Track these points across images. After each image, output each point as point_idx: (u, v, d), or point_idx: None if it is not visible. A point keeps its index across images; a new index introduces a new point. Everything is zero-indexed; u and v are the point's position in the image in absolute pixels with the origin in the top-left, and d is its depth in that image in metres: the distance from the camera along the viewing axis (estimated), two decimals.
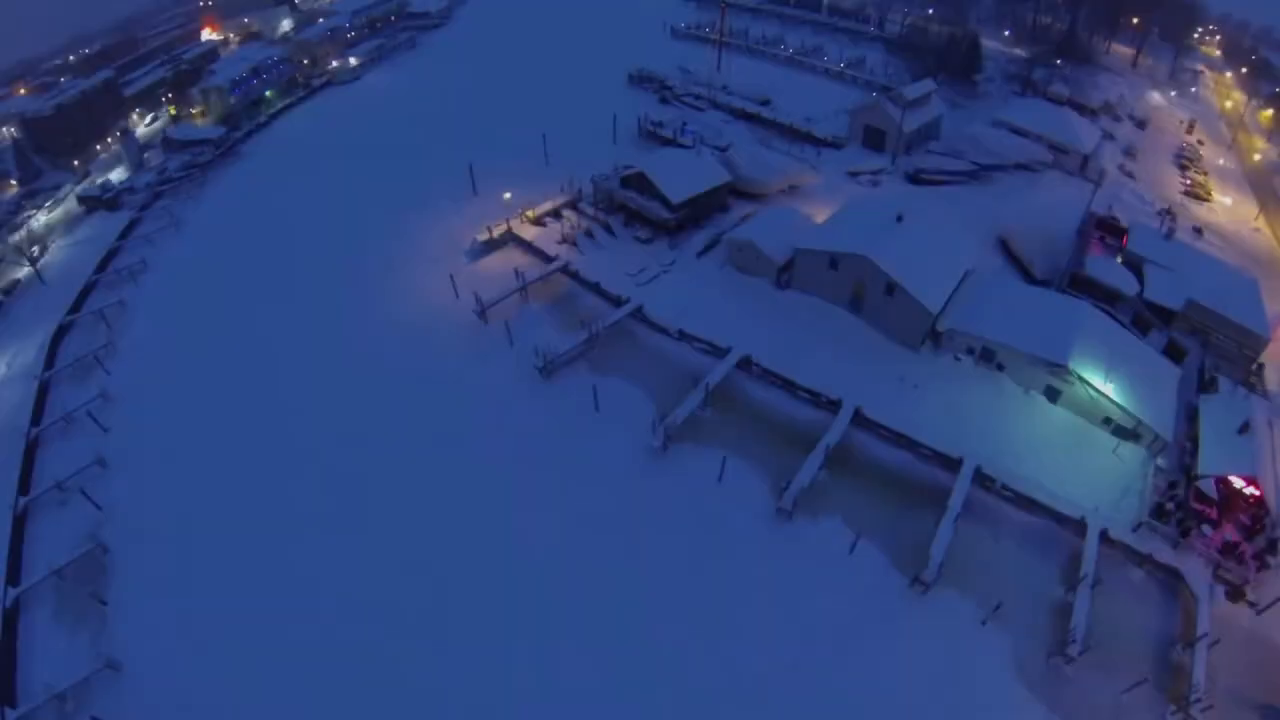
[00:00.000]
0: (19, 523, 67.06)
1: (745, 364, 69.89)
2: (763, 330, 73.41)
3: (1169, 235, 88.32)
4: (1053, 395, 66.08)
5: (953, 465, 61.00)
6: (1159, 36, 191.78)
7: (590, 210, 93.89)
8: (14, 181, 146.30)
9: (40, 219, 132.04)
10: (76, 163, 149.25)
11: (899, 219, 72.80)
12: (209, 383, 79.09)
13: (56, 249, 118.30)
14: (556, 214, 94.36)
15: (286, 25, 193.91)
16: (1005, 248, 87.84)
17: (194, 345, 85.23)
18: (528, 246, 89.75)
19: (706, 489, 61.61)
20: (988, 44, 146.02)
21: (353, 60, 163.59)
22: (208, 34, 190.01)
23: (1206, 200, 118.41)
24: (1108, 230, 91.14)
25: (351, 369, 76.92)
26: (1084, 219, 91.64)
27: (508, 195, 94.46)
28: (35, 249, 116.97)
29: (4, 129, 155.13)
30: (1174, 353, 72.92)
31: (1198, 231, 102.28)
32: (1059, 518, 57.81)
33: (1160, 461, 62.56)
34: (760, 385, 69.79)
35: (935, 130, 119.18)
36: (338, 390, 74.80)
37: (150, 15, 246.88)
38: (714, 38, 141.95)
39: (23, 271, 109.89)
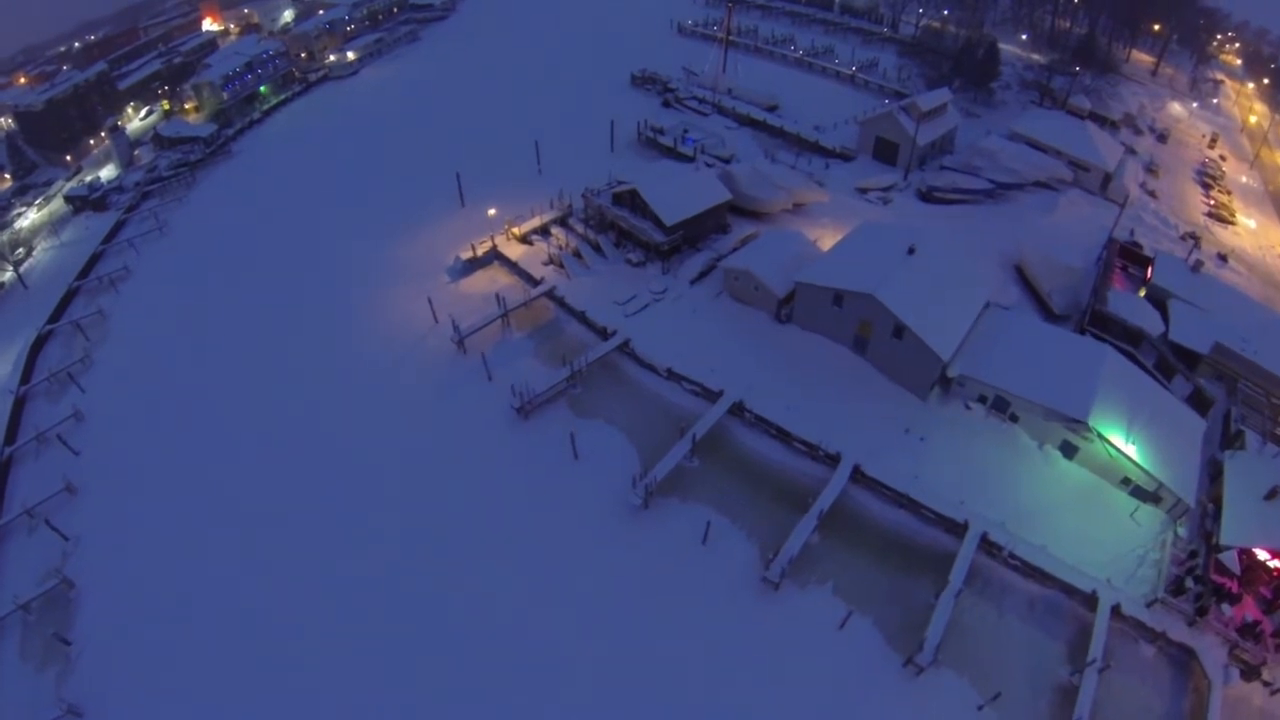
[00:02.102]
0: None
1: (738, 410, 63.78)
2: (758, 370, 67.18)
3: (1196, 267, 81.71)
4: (1069, 451, 59.98)
5: (957, 529, 55.32)
6: (1178, 43, 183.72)
7: (580, 228, 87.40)
8: (7, 176, 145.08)
9: (30, 217, 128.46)
10: (69, 158, 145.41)
11: (911, 251, 66.13)
12: (181, 406, 74.69)
13: (42, 251, 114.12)
14: (545, 231, 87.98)
15: (288, 16, 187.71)
16: (1022, 276, 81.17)
17: (168, 363, 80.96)
18: (512, 266, 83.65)
19: (689, 552, 55.88)
20: (1004, 48, 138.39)
21: (350, 54, 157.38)
22: (208, 24, 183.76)
23: (1230, 223, 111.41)
24: (1131, 259, 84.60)
25: (326, 399, 72.03)
26: (1106, 247, 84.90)
27: (492, 211, 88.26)
28: (20, 251, 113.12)
29: (1, 120, 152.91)
30: (1199, 401, 66.79)
31: (1222, 258, 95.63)
32: (1069, 589, 52.71)
33: (1180, 529, 56.89)
34: (753, 433, 63.72)
35: (950, 143, 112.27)
36: (310, 423, 69.96)
37: (155, 1, 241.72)
38: (720, 37, 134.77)
39: (6, 275, 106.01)
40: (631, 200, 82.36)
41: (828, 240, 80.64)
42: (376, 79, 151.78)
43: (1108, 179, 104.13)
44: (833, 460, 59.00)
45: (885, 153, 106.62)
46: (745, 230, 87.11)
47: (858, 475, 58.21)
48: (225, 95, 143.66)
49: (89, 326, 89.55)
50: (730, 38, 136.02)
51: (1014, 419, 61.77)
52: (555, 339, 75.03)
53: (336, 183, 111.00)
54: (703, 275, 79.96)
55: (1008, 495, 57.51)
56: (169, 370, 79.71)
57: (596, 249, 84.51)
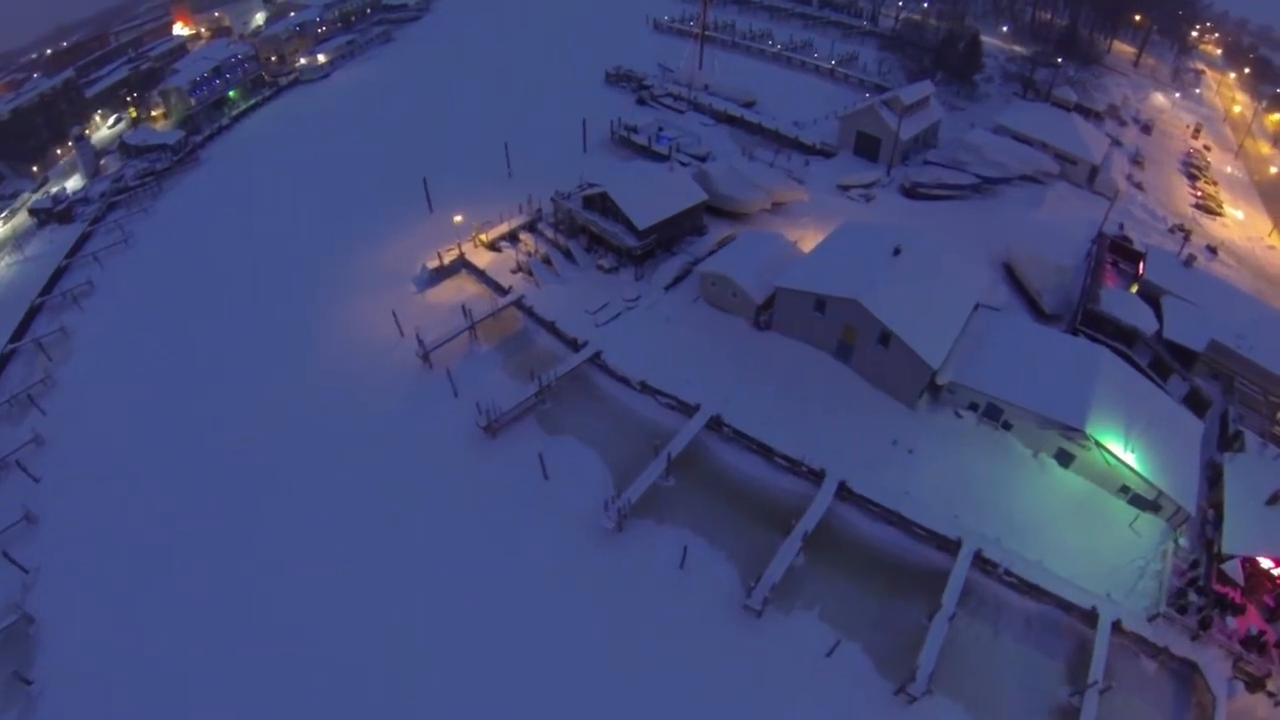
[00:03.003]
0: None
1: (715, 424, 59.68)
2: (737, 381, 63.07)
3: (1188, 262, 78.04)
4: (1065, 460, 56.37)
5: (950, 547, 51.65)
6: (1159, 34, 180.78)
7: (550, 233, 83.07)
8: None
9: None
10: (35, 169, 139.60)
11: (896, 252, 62.04)
12: (144, 427, 70.32)
13: (5, 266, 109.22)
14: (514, 237, 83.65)
15: (260, 19, 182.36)
16: (1011, 275, 77.33)
17: (131, 383, 76.40)
18: (480, 275, 79.33)
19: (666, 577, 51.83)
20: (986, 40, 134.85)
21: (321, 57, 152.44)
22: (179, 28, 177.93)
23: (1218, 214, 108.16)
24: (1121, 255, 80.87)
25: (289, 419, 67.75)
26: (1095, 242, 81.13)
27: (458, 218, 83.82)
28: None
29: None
30: (1196, 402, 63.27)
31: (1212, 251, 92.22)
32: (1067, 606, 49.37)
33: (1181, 538, 53.65)
34: (732, 448, 59.56)
35: (933, 137, 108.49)
36: (272, 446, 65.47)
37: (131, 5, 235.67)
38: (696, 32, 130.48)
39: None
40: (602, 203, 78.13)
41: (809, 241, 76.66)
42: (348, 81, 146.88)
43: (1094, 172, 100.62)
44: (817, 476, 55.02)
45: (867, 148, 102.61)
46: (722, 232, 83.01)
47: (844, 492, 54.30)
48: (193, 101, 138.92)
49: (51, 345, 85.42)
50: (706, 33, 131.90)
51: (1007, 427, 58.07)
52: (524, 351, 70.86)
53: (304, 190, 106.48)
54: (678, 281, 75.82)
55: (1002, 508, 53.94)
56: (132, 391, 75.32)
57: (567, 255, 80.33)
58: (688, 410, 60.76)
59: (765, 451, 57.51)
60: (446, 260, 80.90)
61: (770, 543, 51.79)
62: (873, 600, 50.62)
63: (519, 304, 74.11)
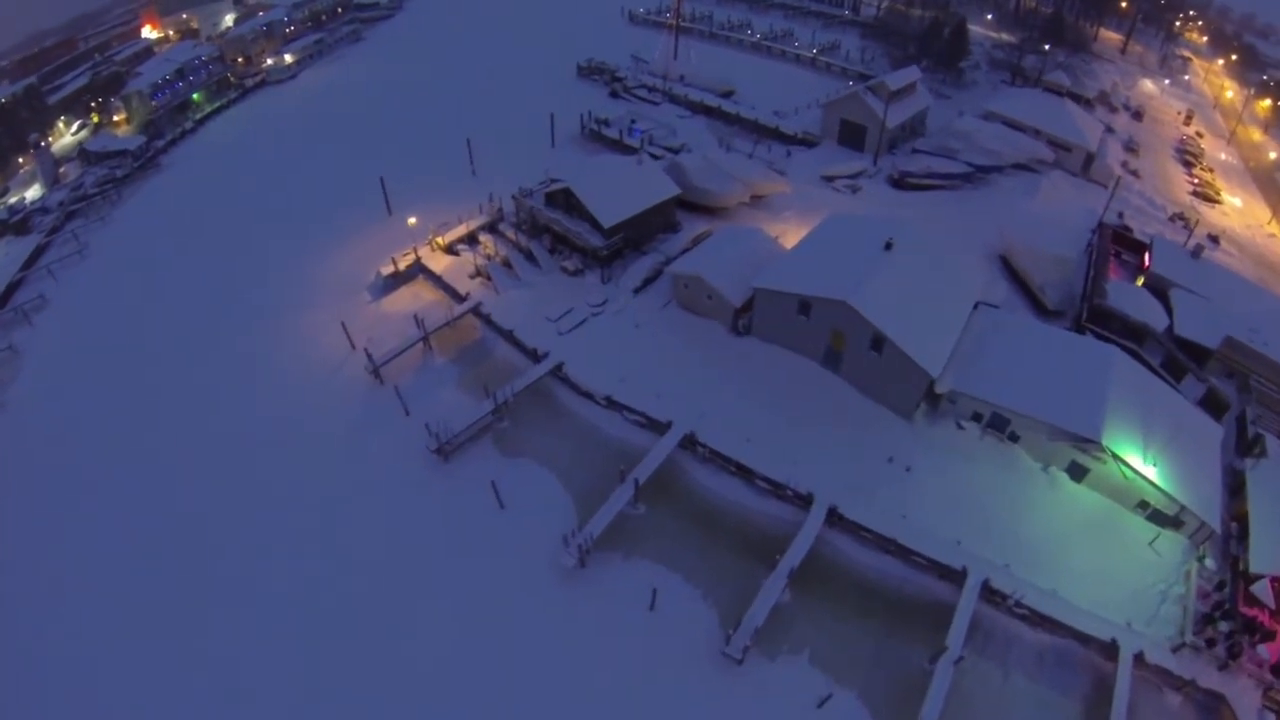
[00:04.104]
0: None
1: (689, 443, 52.43)
2: (713, 393, 55.66)
3: (1196, 252, 71.20)
4: (1078, 473, 49.63)
5: (954, 576, 44.94)
6: (1143, 21, 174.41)
7: (511, 234, 75.68)
8: None
9: None
10: None
11: (888, 247, 54.73)
12: (90, 454, 63.11)
13: None
14: (473, 239, 76.25)
15: (229, 20, 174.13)
16: (1009, 268, 70.26)
17: (79, 406, 68.97)
18: (437, 280, 71.98)
19: (635, 619, 44.84)
20: (971, 28, 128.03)
21: (288, 57, 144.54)
22: (147, 31, 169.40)
23: (1216, 202, 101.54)
24: (1124, 246, 73.92)
25: (236, 442, 60.80)
26: (1096, 232, 74.15)
27: (412, 220, 76.43)
28: None
29: None
30: (1213, 404, 56.69)
31: (1214, 240, 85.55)
32: (1084, 638, 43.10)
33: (1205, 558, 47.26)
34: (708, 470, 52.29)
35: (921, 125, 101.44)
36: (216, 472, 58.47)
37: (105, 10, 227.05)
38: (669, 22, 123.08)
39: None
40: (566, 200, 70.83)
41: (791, 236, 69.52)
42: (315, 82, 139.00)
43: (1090, 159, 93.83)
44: (804, 501, 47.89)
45: (852, 137, 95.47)
46: (697, 228, 75.61)
47: (834, 518, 47.18)
48: (155, 105, 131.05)
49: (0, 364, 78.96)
50: (683, 24, 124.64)
51: (1014, 439, 51.14)
52: (482, 363, 63.68)
53: (264, 195, 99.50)
54: (648, 283, 68.50)
55: (1010, 530, 47.18)
56: (79, 415, 68.18)
57: (529, 257, 72.96)
58: (658, 428, 53.62)
59: (745, 474, 50.26)
60: (402, 266, 73.63)
61: (752, 577, 45.01)
62: (869, 641, 43.96)
63: (476, 311, 66.97)
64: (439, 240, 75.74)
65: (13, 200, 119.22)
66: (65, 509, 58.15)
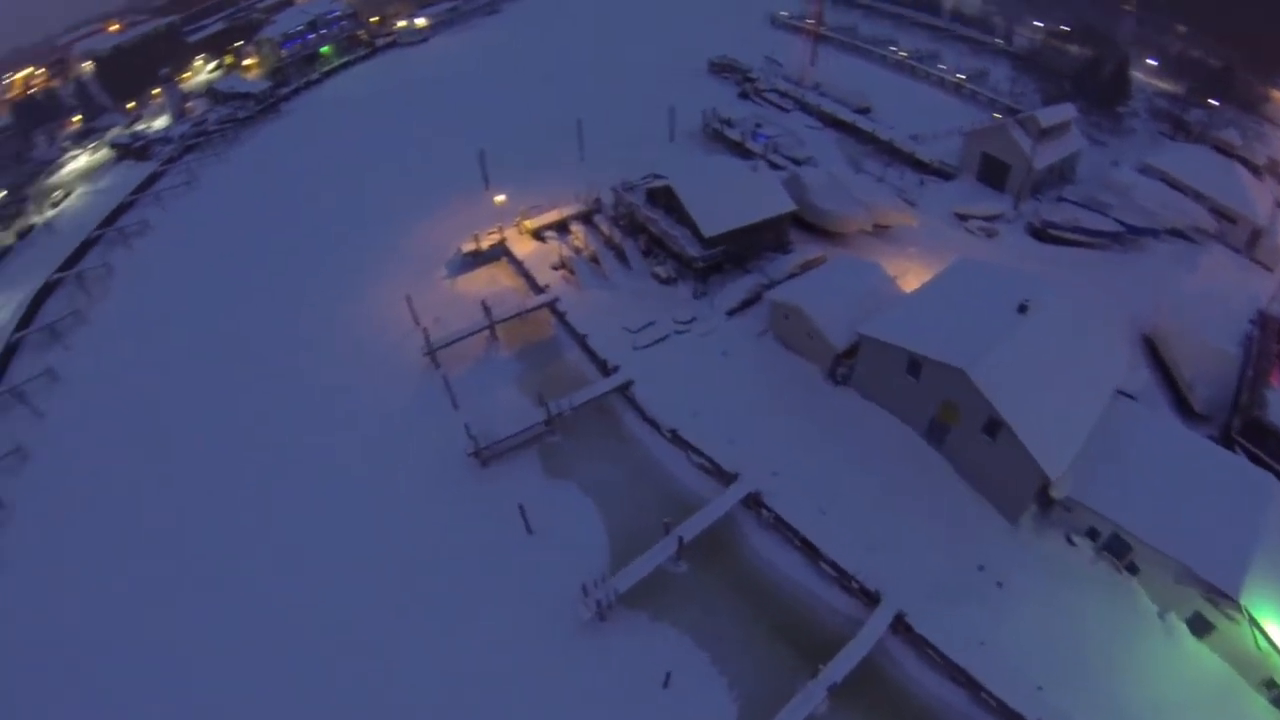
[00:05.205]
0: None
1: (754, 503, 44.95)
2: (793, 448, 47.76)
3: None
4: (1200, 628, 39.41)
5: None
6: None
7: (605, 228, 69.47)
8: (77, 118, 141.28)
9: (82, 160, 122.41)
10: (131, 106, 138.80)
11: (1022, 310, 45.15)
12: (154, 380, 63.91)
13: (78, 195, 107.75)
14: (564, 227, 70.44)
15: None
16: (1154, 353, 59.64)
17: (154, 330, 70.80)
18: (518, 266, 66.71)
19: (644, 695, 37.93)
20: (1132, 74, 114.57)
21: (420, 21, 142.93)
22: None
23: None
24: None
25: (284, 406, 58.37)
26: (1257, 324, 62.26)
27: (500, 198, 71.49)
28: (58, 194, 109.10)
29: (84, 65, 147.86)
30: None
31: None
32: None
33: None
34: (769, 538, 44.51)
35: (1071, 171, 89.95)
36: (260, 436, 56.20)
37: None
38: (809, 26, 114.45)
39: (42, 216, 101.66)
40: (668, 200, 64.01)
41: (912, 277, 60.87)
42: (445, 48, 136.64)
43: (1257, 235, 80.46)
44: (870, 598, 39.74)
45: (993, 174, 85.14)
46: (811, 252, 67.26)
47: (900, 625, 38.87)
48: (284, 53, 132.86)
49: (93, 281, 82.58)
50: (825, 33, 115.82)
51: (1133, 570, 41.29)
52: (548, 365, 58.07)
53: (369, 152, 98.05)
54: (745, 306, 61.06)
55: (1104, 683, 37.48)
56: (153, 338, 69.62)
57: (620, 256, 66.69)
58: (723, 478, 46.34)
59: (811, 551, 42.30)
60: (484, 245, 68.95)
61: (791, 675, 37.38)
62: None
63: (552, 307, 61.17)
64: (527, 224, 70.69)
65: (140, 127, 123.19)
66: (121, 426, 59.50)
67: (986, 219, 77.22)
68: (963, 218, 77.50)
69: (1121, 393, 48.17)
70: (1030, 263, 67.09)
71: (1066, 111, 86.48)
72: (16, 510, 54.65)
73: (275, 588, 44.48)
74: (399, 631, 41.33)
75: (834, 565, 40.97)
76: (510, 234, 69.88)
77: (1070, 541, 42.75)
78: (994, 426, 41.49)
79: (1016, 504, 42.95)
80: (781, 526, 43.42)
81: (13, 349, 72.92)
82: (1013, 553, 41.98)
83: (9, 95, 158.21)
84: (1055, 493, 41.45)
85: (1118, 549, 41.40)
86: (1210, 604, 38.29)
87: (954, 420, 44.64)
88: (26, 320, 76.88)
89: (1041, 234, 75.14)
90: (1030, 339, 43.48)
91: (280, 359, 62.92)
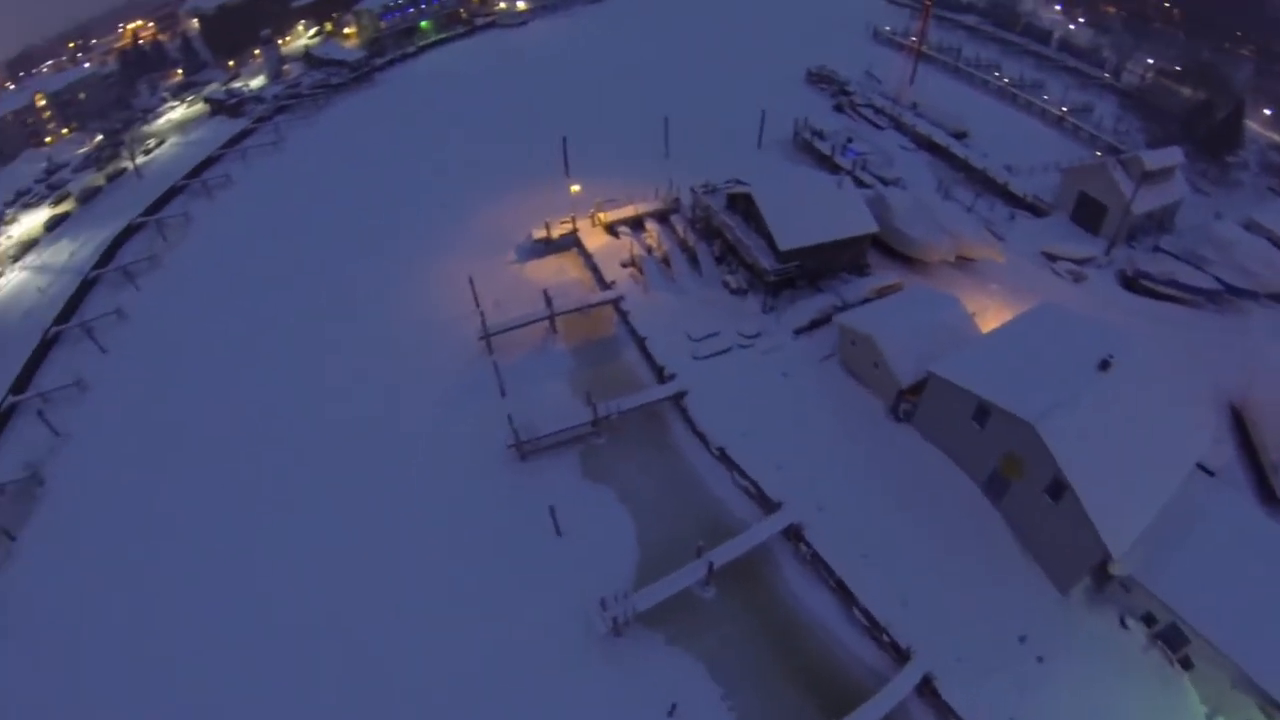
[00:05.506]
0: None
1: (794, 536, 43.10)
2: (843, 483, 45.56)
3: None
4: None
5: None
6: None
7: (680, 229, 68.10)
8: (179, 71, 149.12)
9: (178, 112, 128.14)
10: (231, 64, 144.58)
11: (1104, 366, 41.84)
12: (216, 327, 67.19)
13: (170, 145, 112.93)
14: (639, 224, 69.23)
15: None
16: (1241, 426, 55.51)
17: (223, 282, 74.50)
18: (588, 259, 65.99)
19: None
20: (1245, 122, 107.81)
21: (521, 4, 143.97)
22: None
23: None
24: None
25: (322, 367, 60.36)
26: None
27: (576, 187, 70.78)
28: (152, 141, 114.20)
29: (191, 21, 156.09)
30: None
31: None
32: None
33: None
34: (804, 575, 42.43)
35: (1170, 220, 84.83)
36: (295, 405, 57.73)
37: None
38: (911, 44, 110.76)
39: (134, 161, 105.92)
40: (746, 207, 62.25)
41: (991, 316, 58.05)
42: (543, 33, 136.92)
43: None
44: (899, 655, 37.42)
45: (1088, 215, 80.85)
46: (888, 278, 64.50)
47: (926, 689, 36.53)
48: (383, 24, 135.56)
49: (171, 228, 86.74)
50: (927, 52, 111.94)
51: (1186, 665, 37.99)
52: (604, 363, 57.33)
53: (459, 131, 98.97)
54: (813, 326, 58.87)
55: None
56: (220, 287, 73.15)
57: (692, 260, 65.23)
58: (766, 504, 44.61)
59: (845, 595, 40.24)
60: (555, 234, 68.57)
61: None
62: None
63: (616, 305, 60.07)
64: (601, 216, 69.79)
65: (236, 85, 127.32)
66: (178, 368, 63.01)
67: (1076, 261, 73.33)
68: (1051, 258, 73.72)
69: (1201, 467, 44.82)
70: (1117, 313, 63.33)
71: (1173, 156, 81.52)
72: (73, 440, 57.29)
73: (305, 543, 46.43)
74: (409, 620, 41.30)
75: (867, 614, 38.90)
76: (583, 225, 69.12)
77: (1123, 624, 39.66)
78: (1058, 489, 38.64)
79: (1071, 575, 40.01)
80: (818, 564, 41.50)
81: (89, 285, 76.54)
82: (1059, 627, 39.00)
83: (118, 44, 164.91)
84: (1115, 569, 38.48)
85: (1174, 640, 38.22)
86: (1266, 715, 35.18)
87: (1016, 476, 41.76)
88: (106, 260, 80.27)
89: (1133, 284, 71.01)
90: (1109, 398, 40.43)
91: (336, 324, 64.05)
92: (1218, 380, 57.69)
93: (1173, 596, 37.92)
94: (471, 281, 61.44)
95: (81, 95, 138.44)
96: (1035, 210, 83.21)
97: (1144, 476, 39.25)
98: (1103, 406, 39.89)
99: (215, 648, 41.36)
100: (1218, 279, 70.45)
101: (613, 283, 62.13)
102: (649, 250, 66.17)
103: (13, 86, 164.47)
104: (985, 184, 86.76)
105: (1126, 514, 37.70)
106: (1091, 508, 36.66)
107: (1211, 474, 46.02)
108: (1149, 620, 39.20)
